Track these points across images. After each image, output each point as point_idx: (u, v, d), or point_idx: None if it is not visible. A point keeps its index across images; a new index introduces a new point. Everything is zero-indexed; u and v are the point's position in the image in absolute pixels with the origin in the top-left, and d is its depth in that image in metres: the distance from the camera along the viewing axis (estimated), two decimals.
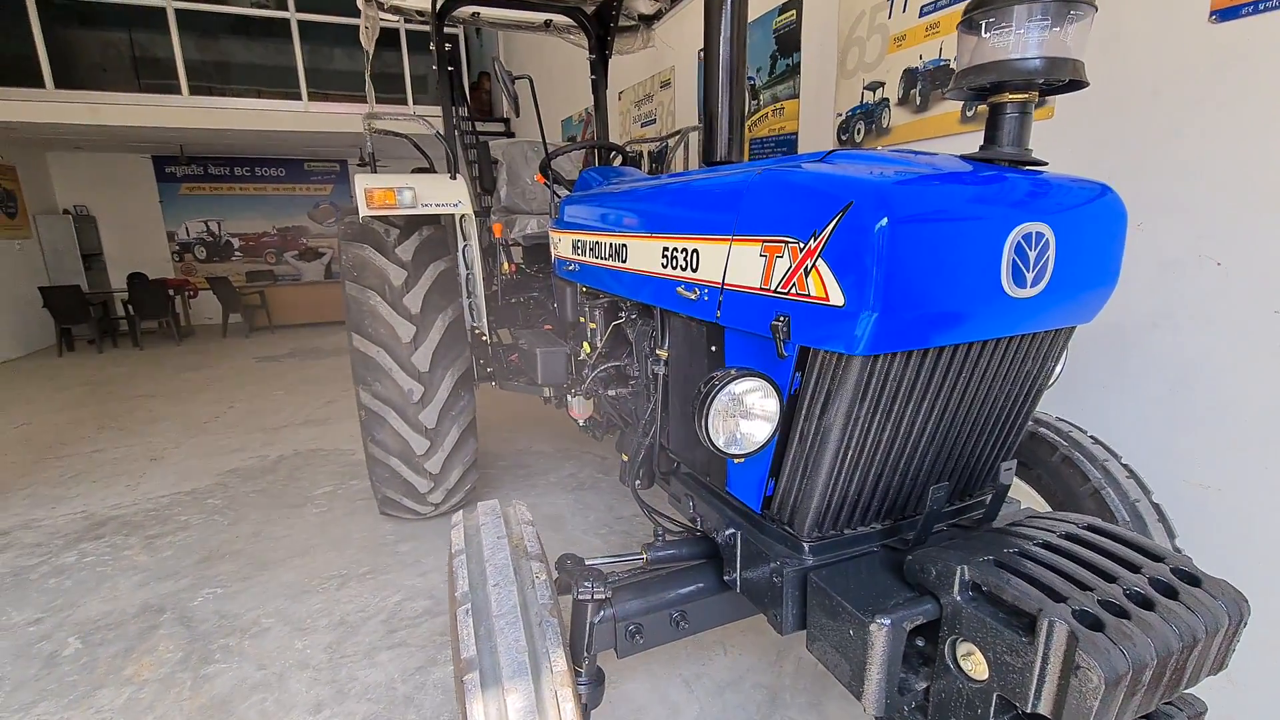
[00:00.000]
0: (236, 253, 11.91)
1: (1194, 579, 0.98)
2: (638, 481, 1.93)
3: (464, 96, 3.85)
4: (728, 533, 1.40)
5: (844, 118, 3.13)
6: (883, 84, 2.89)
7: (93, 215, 10.86)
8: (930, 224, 0.95)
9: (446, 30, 3.55)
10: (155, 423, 5.46)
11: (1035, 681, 0.90)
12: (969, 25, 1.09)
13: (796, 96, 3.49)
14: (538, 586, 1.16)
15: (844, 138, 3.15)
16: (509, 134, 10.02)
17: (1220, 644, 0.95)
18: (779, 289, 1.11)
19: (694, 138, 4.32)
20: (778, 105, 3.61)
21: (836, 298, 0.99)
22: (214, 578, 2.94)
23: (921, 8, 2.65)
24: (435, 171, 3.79)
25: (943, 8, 2.56)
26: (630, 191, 1.85)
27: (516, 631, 1.07)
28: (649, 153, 5.01)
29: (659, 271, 1.55)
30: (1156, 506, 1.63)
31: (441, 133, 3.17)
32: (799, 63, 3.46)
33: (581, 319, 2.28)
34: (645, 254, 1.63)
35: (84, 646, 2.46)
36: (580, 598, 1.34)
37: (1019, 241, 1.00)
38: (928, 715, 1.09)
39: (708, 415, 1.10)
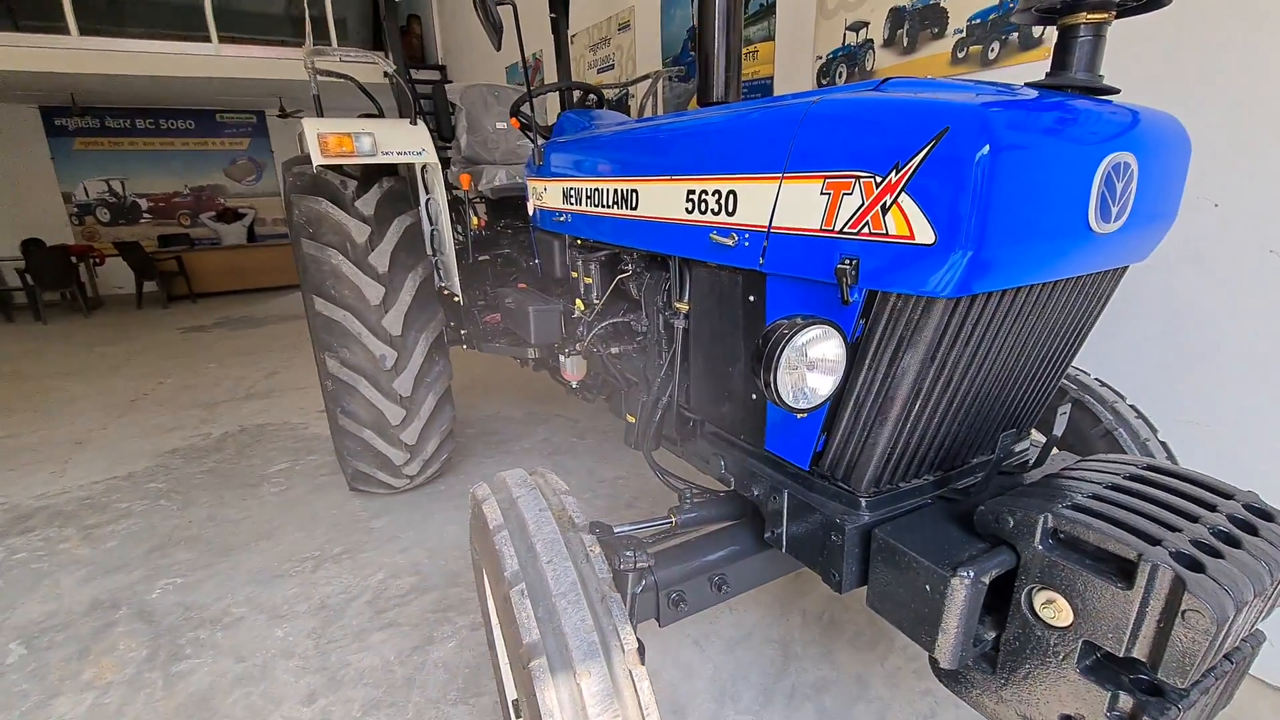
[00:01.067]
0: (145, 214, 10.88)
1: (1267, 514, 0.98)
2: (647, 441, 1.85)
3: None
4: (772, 494, 1.34)
5: (824, 61, 3.03)
6: (866, 24, 2.79)
7: None
8: (1031, 152, 0.88)
9: None
10: (74, 403, 4.98)
11: (1131, 626, 0.89)
12: None
13: (771, 39, 3.36)
14: (593, 560, 1.07)
15: (824, 82, 3.05)
16: (445, 81, 9.43)
17: None
18: (845, 229, 1.03)
19: (662, 83, 4.14)
20: (751, 48, 3.47)
21: (925, 235, 0.91)
22: (170, 567, 2.71)
23: None
24: (383, 114, 3.49)
25: None
26: (637, 132, 1.71)
27: (581, 610, 0.98)
28: (608, 101, 4.79)
29: (682, 218, 1.44)
30: (1164, 445, 1.68)
31: (394, 71, 2.88)
32: (773, 2, 3.31)
33: (574, 274, 2.14)
34: (663, 199, 1.51)
35: (29, 652, 2.22)
36: (623, 568, 1.26)
37: (1108, 172, 0.95)
38: (996, 664, 1.08)
39: (777, 369, 1.02)
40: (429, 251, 2.90)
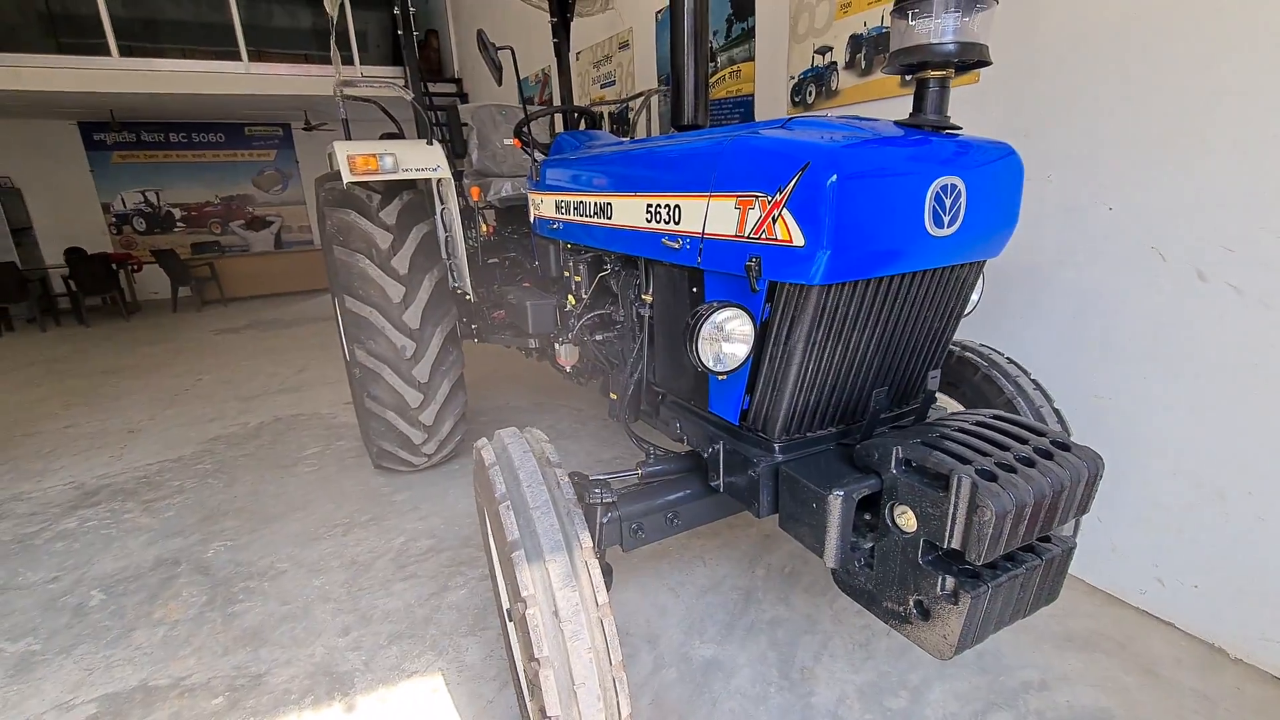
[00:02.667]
0: (179, 224, 11.48)
1: (1065, 446, 1.30)
2: (625, 414, 2.19)
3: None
4: (712, 445, 1.68)
5: (796, 80, 3.36)
6: (831, 48, 3.12)
7: (18, 187, 10.28)
8: (869, 179, 1.22)
9: None
10: (123, 397, 5.45)
11: (949, 524, 1.21)
12: (900, 13, 1.34)
13: (752, 59, 3.69)
14: (563, 486, 1.42)
15: (797, 99, 3.38)
16: (461, 94, 9.88)
17: (1083, 490, 1.28)
18: (751, 235, 1.37)
19: (656, 99, 4.49)
20: (735, 68, 3.81)
21: (798, 240, 1.25)
22: (221, 532, 3.11)
23: None
24: (403, 134, 3.89)
25: None
26: (612, 155, 2.06)
27: (551, 519, 1.33)
28: (610, 114, 5.15)
29: (643, 226, 1.78)
30: (1057, 411, 1.99)
31: (410, 97, 3.27)
32: (753, 27, 3.65)
33: (566, 273, 2.49)
34: (630, 211, 1.86)
35: (108, 597, 2.63)
36: (591, 502, 1.61)
37: (938, 192, 1.28)
38: (873, 567, 1.41)
39: (698, 340, 1.36)
40: (443, 255, 3.28)
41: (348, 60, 9.04)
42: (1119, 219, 2.12)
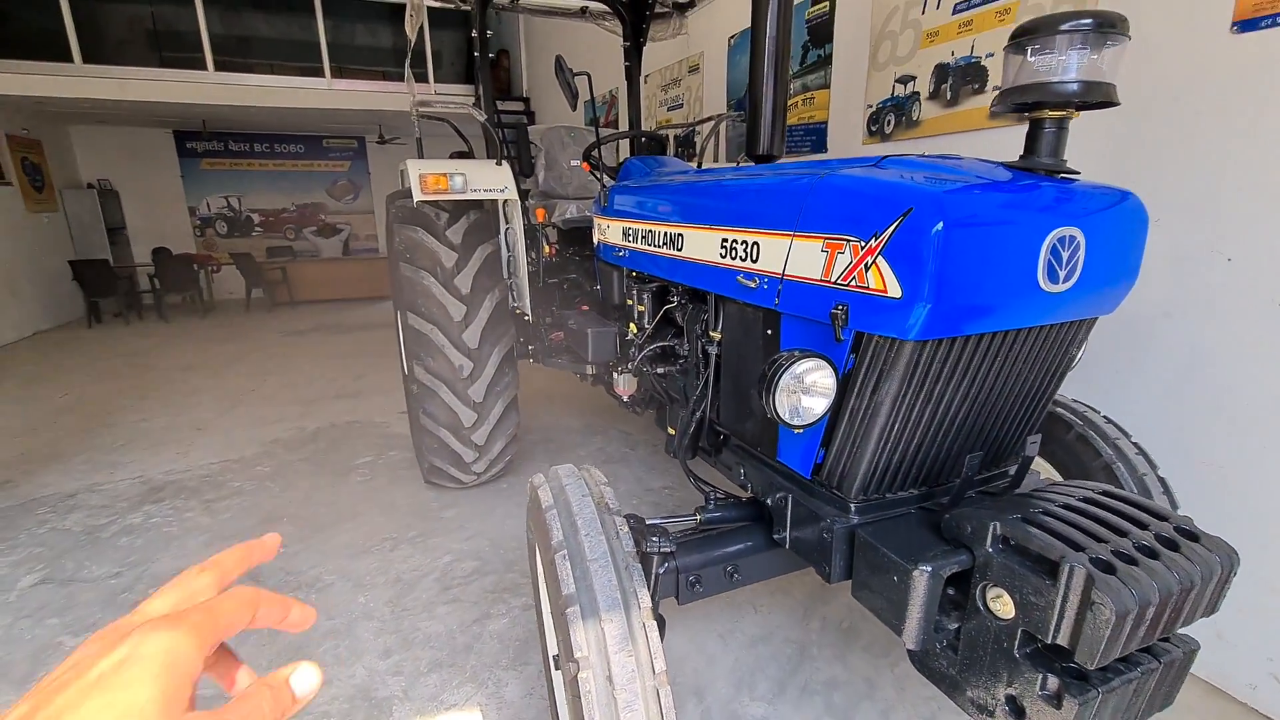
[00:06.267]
0: (257, 228, 12.07)
1: (1193, 535, 1.15)
2: (683, 451, 2.10)
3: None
4: (779, 496, 1.57)
5: (874, 109, 3.25)
6: (914, 78, 3.00)
7: (115, 190, 11.02)
8: (978, 228, 1.11)
9: (464, 9, 3.64)
10: (194, 394, 5.68)
11: (1055, 617, 1.08)
12: (1017, 48, 1.23)
13: (827, 87, 3.60)
14: (622, 537, 1.34)
15: (874, 128, 3.26)
16: (528, 112, 10.09)
17: (1213, 590, 1.12)
18: (839, 281, 1.27)
19: (724, 125, 4.44)
20: (808, 95, 3.72)
21: (894, 290, 1.15)
22: None
23: (955, 5, 2.75)
24: (473, 152, 3.94)
25: (975, 6, 2.67)
26: (685, 185, 2.00)
27: (609, 574, 1.25)
28: (675, 137, 5.13)
29: (717, 261, 1.70)
30: (1162, 480, 1.80)
31: (485, 120, 3.30)
32: (830, 54, 3.56)
33: (629, 301, 2.44)
34: (702, 244, 1.79)
35: None
36: (649, 550, 1.52)
37: (1054, 243, 1.16)
38: (958, 651, 1.28)
39: (775, 390, 1.27)
40: (505, 275, 3.28)
41: (422, 78, 9.36)
42: (1239, 271, 1.93)
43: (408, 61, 3.93)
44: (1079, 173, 1.26)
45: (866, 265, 1.20)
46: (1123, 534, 1.14)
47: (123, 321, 9.46)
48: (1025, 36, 1.20)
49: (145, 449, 4.41)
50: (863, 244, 1.21)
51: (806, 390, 1.30)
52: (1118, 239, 1.25)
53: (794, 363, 1.27)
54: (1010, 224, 1.13)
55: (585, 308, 3.26)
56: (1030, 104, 1.23)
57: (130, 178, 11.08)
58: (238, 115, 9.69)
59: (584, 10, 3.99)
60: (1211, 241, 1.97)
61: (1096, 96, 1.17)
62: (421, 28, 9.34)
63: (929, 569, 1.20)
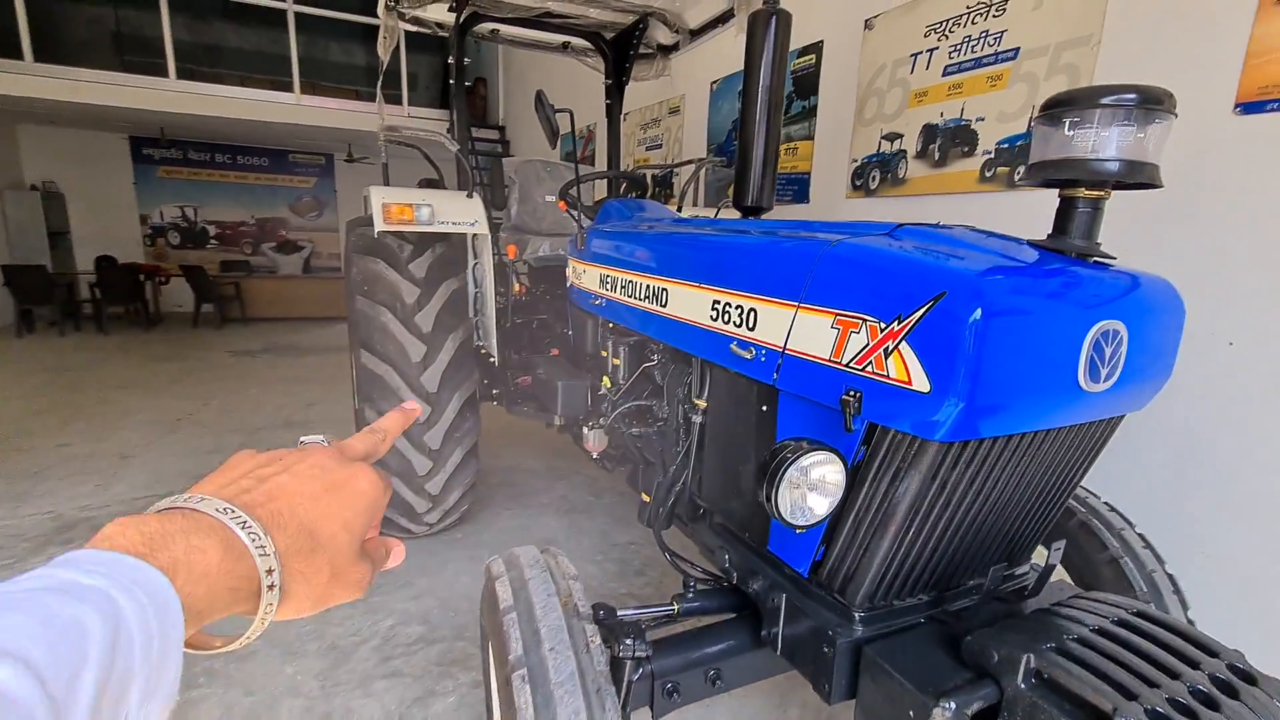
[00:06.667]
0: (212, 240, 11.57)
1: (1250, 678, 1.01)
2: (659, 522, 1.92)
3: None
4: (770, 594, 1.39)
5: (859, 164, 3.19)
6: (901, 136, 2.95)
7: (61, 192, 10.44)
8: (1020, 318, 0.97)
9: (441, 35, 3.51)
10: (126, 416, 5.25)
11: None
12: (1049, 119, 1.12)
13: (811, 138, 3.55)
14: (593, 651, 1.14)
15: (858, 183, 3.21)
16: (503, 142, 9.98)
17: None
18: (852, 364, 1.12)
19: (704, 170, 4.36)
20: (791, 145, 3.67)
21: (921, 383, 1.00)
22: None
23: (945, 67, 2.72)
24: (443, 180, 3.76)
25: (967, 70, 2.64)
26: (673, 235, 1.85)
27: (576, 700, 1.05)
28: (653, 177, 5.04)
29: (707, 324, 1.55)
30: (1171, 577, 1.69)
31: (455, 148, 3.13)
32: (815, 105, 3.52)
33: (604, 353, 2.26)
34: (690, 302, 1.63)
35: None
36: (621, 655, 1.32)
37: (1097, 338, 1.03)
38: None
39: (778, 485, 1.10)
40: (471, 313, 3.07)
41: (396, 100, 9.18)
42: (1241, 356, 1.86)
43: (379, 84, 3.75)
44: (1114, 258, 1.15)
45: (887, 351, 1.05)
46: (1174, 674, 0.99)
47: (57, 332, 8.87)
48: (1061, 108, 1.09)
49: (62, 478, 4.00)
50: (882, 326, 1.06)
51: (813, 487, 1.13)
52: (1159, 333, 1.14)
53: (801, 455, 1.10)
54: (1054, 315, 1.00)
55: (556, 352, 3.07)
56: (1062, 180, 1.12)
57: (79, 181, 10.52)
58: (200, 124, 9.32)
59: (566, 45, 3.89)
60: (1212, 324, 1.91)
61: (1138, 177, 1.07)
62: (397, 50, 9.23)
63: (952, 707, 1.03)
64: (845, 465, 1.15)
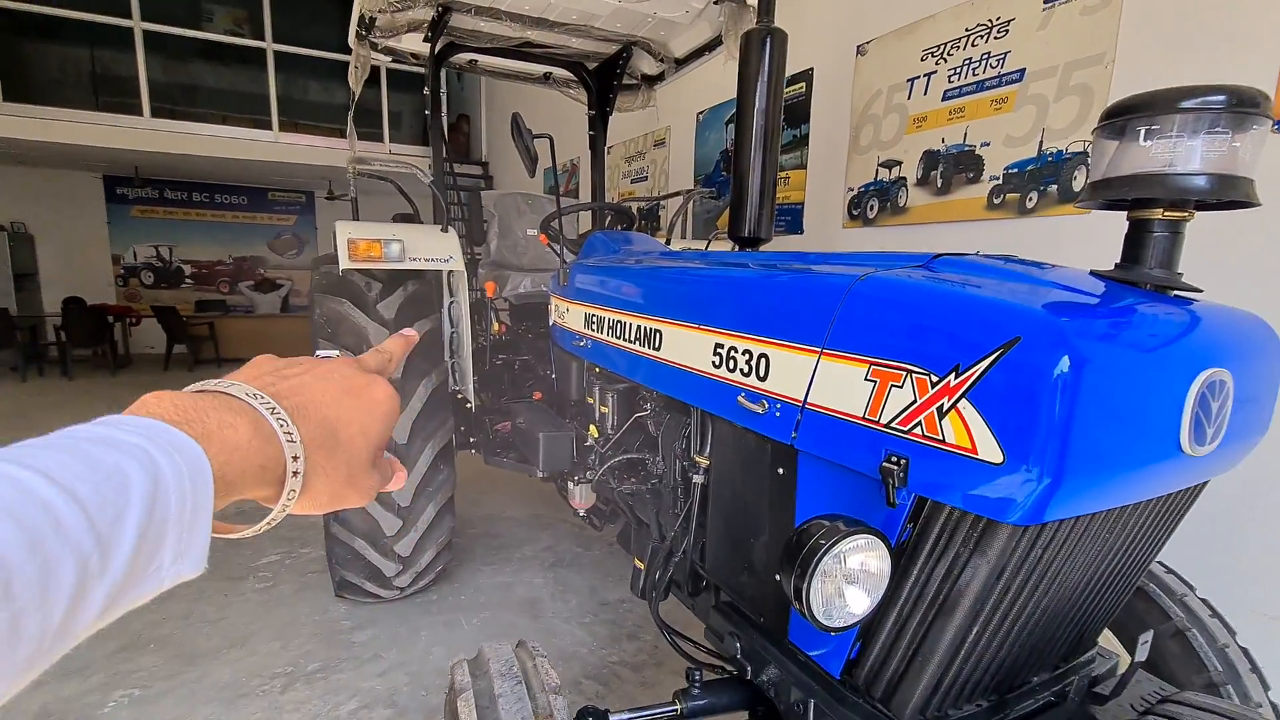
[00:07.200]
0: (188, 280, 11.27)
1: None
2: (655, 594, 1.68)
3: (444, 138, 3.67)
4: (792, 695, 1.15)
5: (856, 193, 3.05)
6: (899, 163, 2.82)
7: (30, 233, 10.15)
8: (1117, 369, 0.77)
9: (417, 67, 3.38)
10: None
11: None
12: (1111, 130, 0.94)
13: (803, 167, 3.41)
14: None
15: (855, 212, 3.06)
16: (486, 177, 9.88)
17: None
18: (894, 425, 0.91)
19: (692, 201, 4.22)
20: (784, 174, 3.53)
21: (990, 452, 0.79)
22: (132, 674, 2.51)
23: (945, 91, 2.60)
24: (419, 215, 3.56)
25: (968, 93, 2.51)
26: (666, 270, 1.65)
27: None
28: (639, 209, 4.90)
29: (708, 371, 1.34)
30: (1245, 652, 1.47)
31: (431, 181, 2.95)
32: (807, 134, 3.39)
33: (590, 399, 2.04)
34: (687, 346, 1.42)
35: None
36: None
37: (1203, 391, 0.83)
38: None
39: (811, 579, 0.87)
40: (446, 356, 2.85)
41: (378, 138, 9.08)
42: None
43: (350, 115, 3.59)
44: (1201, 290, 0.95)
45: (941, 410, 0.85)
46: None
47: (18, 377, 8.48)
48: (1131, 115, 0.91)
49: None
50: (934, 379, 0.86)
51: (851, 579, 0.91)
52: (1261, 381, 0.95)
53: (837, 541, 0.88)
54: (1153, 363, 0.80)
55: (539, 395, 2.84)
56: (1132, 200, 0.94)
57: (50, 222, 10.24)
58: (177, 163, 9.13)
59: (548, 76, 3.76)
60: None
61: (1231, 194, 0.88)
62: (379, 87, 9.16)
63: None
64: (889, 548, 0.93)
